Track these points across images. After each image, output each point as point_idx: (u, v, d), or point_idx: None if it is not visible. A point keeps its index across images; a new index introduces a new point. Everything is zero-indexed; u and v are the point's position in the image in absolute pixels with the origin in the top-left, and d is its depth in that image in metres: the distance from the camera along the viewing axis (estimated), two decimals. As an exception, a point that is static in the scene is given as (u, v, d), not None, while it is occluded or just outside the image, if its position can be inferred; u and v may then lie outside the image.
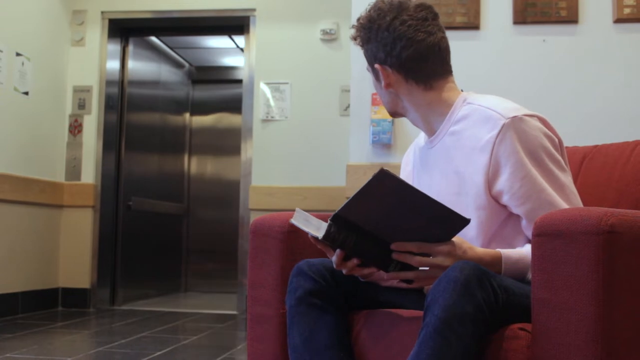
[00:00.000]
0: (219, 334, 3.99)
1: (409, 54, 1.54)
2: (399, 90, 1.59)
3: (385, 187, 1.28)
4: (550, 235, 1.22)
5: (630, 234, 1.16)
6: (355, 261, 1.41)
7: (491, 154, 1.45)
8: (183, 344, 3.54)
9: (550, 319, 1.22)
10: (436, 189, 1.57)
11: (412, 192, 1.29)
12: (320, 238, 1.34)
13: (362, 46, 1.63)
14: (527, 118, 1.45)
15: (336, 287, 1.54)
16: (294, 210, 1.45)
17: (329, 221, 1.34)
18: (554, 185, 1.45)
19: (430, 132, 1.61)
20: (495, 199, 1.47)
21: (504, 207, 1.48)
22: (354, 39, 1.63)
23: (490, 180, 1.46)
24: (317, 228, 1.36)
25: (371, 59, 1.61)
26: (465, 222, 1.33)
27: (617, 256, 1.15)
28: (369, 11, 1.60)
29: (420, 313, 1.50)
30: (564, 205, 1.42)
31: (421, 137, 1.72)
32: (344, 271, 1.44)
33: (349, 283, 1.56)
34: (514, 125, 1.44)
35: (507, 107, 1.48)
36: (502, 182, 1.45)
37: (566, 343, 1.19)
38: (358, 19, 1.62)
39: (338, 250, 1.40)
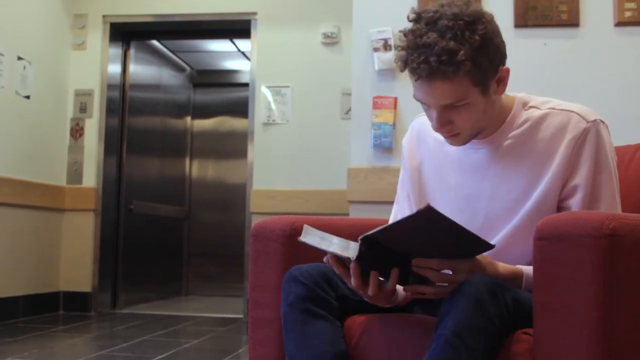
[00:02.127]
0: (220, 337, 3.98)
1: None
2: (500, 96, 1.50)
3: (426, 221, 1.25)
4: (551, 239, 1.22)
5: (631, 238, 1.16)
6: (377, 278, 1.36)
7: (570, 157, 1.45)
8: (184, 347, 3.54)
9: (552, 322, 1.22)
10: (490, 192, 1.53)
11: (452, 225, 1.25)
12: (353, 259, 1.29)
13: (476, 63, 1.36)
14: (603, 124, 1.47)
15: (330, 292, 1.52)
16: (295, 214, 1.44)
17: (359, 241, 1.29)
18: (613, 200, 1.46)
19: (482, 134, 1.53)
20: (559, 202, 1.46)
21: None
22: (467, 59, 1.34)
23: (565, 182, 1.45)
24: (343, 248, 1.31)
25: (493, 69, 1.41)
26: (489, 247, 1.33)
27: (619, 259, 1.15)
28: (463, 18, 1.35)
29: (423, 317, 1.51)
30: None
31: (427, 125, 1.59)
32: (369, 293, 1.38)
33: (345, 287, 1.54)
34: (595, 129, 1.45)
35: (584, 110, 1.48)
36: (575, 184, 1.44)
37: (568, 346, 1.19)
38: (457, 37, 1.34)
39: (373, 276, 1.35)
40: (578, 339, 1.17)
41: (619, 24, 3.06)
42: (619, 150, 1.91)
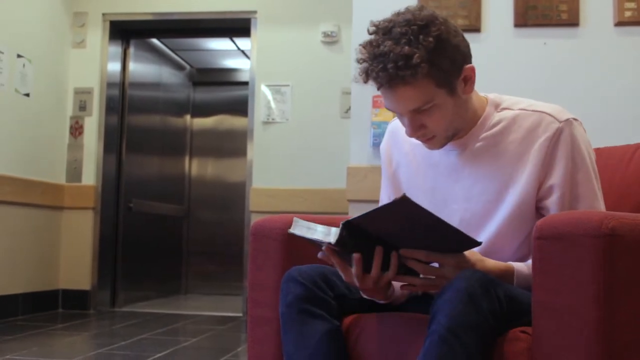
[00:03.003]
0: (219, 336, 3.98)
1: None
2: (469, 95, 1.49)
3: (404, 211, 1.26)
4: (551, 238, 1.22)
5: (631, 237, 1.16)
6: (360, 260, 1.35)
7: (544, 157, 1.45)
8: (183, 345, 3.54)
9: (551, 321, 1.22)
10: (464, 194, 1.53)
11: (430, 217, 1.27)
12: (332, 243, 1.29)
13: (433, 64, 1.37)
14: (576, 122, 1.47)
15: (328, 291, 1.52)
16: (295, 213, 1.43)
17: (340, 226, 1.29)
18: (594, 197, 1.46)
19: (454, 137, 1.53)
20: (536, 203, 1.47)
21: (535, 217, 1.47)
22: (422, 61, 1.35)
23: (541, 183, 1.46)
24: (325, 234, 1.32)
25: (456, 69, 1.42)
26: (476, 244, 1.33)
27: (618, 259, 1.15)
28: (415, 23, 1.37)
29: (419, 315, 1.51)
30: None
31: (402, 129, 1.56)
32: (353, 272, 1.38)
33: (343, 286, 1.55)
34: (568, 128, 1.46)
35: (556, 109, 1.49)
36: (551, 184, 1.45)
37: (567, 346, 1.19)
38: (412, 42, 1.36)
39: (356, 259, 1.34)
40: (578, 339, 1.17)
41: (619, 23, 3.05)
42: (619, 150, 1.91)
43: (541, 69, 3.11)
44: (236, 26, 5.22)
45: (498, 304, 1.27)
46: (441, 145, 1.51)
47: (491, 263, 1.41)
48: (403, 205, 1.23)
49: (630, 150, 1.89)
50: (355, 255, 1.34)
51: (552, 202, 1.45)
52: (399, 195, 1.66)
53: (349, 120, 3.38)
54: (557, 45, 3.11)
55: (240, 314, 4.90)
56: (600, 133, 3.02)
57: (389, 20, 1.42)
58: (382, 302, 1.52)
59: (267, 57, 4.93)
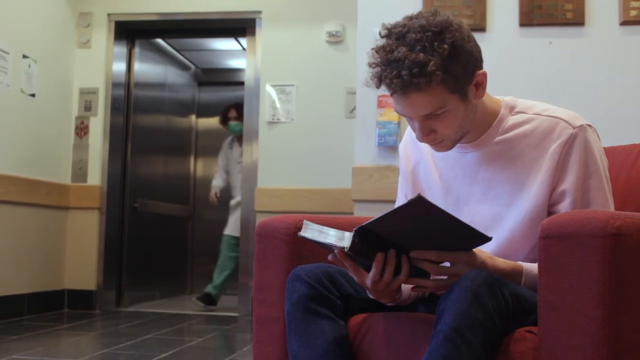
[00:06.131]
0: (224, 336, 3.99)
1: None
2: (480, 99, 1.50)
3: (418, 211, 1.26)
4: (556, 238, 1.22)
5: (636, 237, 1.16)
6: (381, 263, 1.35)
7: (557, 163, 1.45)
8: (189, 345, 3.54)
9: (557, 321, 1.22)
10: (477, 196, 1.54)
11: (444, 216, 1.27)
12: (347, 248, 1.29)
13: (447, 71, 1.37)
14: (590, 129, 1.48)
15: (334, 291, 1.52)
16: (300, 213, 1.43)
17: (353, 231, 1.29)
18: (605, 203, 1.46)
19: (468, 138, 1.54)
20: (548, 208, 1.47)
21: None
22: (437, 69, 1.34)
23: (553, 188, 1.46)
24: (338, 238, 1.31)
25: (468, 74, 1.42)
26: (486, 240, 1.33)
27: (624, 259, 1.15)
28: (430, 29, 1.36)
29: (425, 315, 1.51)
30: None
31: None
32: (378, 287, 1.38)
33: (349, 286, 1.55)
34: (582, 134, 1.46)
35: (571, 115, 1.49)
36: (563, 189, 1.45)
37: (572, 346, 1.19)
38: (426, 49, 1.35)
39: (377, 262, 1.34)
40: (583, 339, 1.17)
41: (625, 22, 3.05)
42: (623, 149, 1.91)
43: (546, 69, 3.11)
44: (241, 26, 5.22)
45: (504, 303, 1.27)
46: (449, 148, 1.51)
47: (500, 261, 1.42)
48: (418, 205, 1.23)
49: (635, 149, 1.88)
50: (378, 258, 1.34)
51: (563, 207, 1.45)
52: (413, 193, 1.68)
53: (354, 120, 3.38)
54: (562, 44, 3.11)
55: (246, 314, 4.90)
56: (605, 132, 3.01)
57: (402, 25, 1.40)
58: (389, 304, 1.52)
59: (272, 57, 4.93)
